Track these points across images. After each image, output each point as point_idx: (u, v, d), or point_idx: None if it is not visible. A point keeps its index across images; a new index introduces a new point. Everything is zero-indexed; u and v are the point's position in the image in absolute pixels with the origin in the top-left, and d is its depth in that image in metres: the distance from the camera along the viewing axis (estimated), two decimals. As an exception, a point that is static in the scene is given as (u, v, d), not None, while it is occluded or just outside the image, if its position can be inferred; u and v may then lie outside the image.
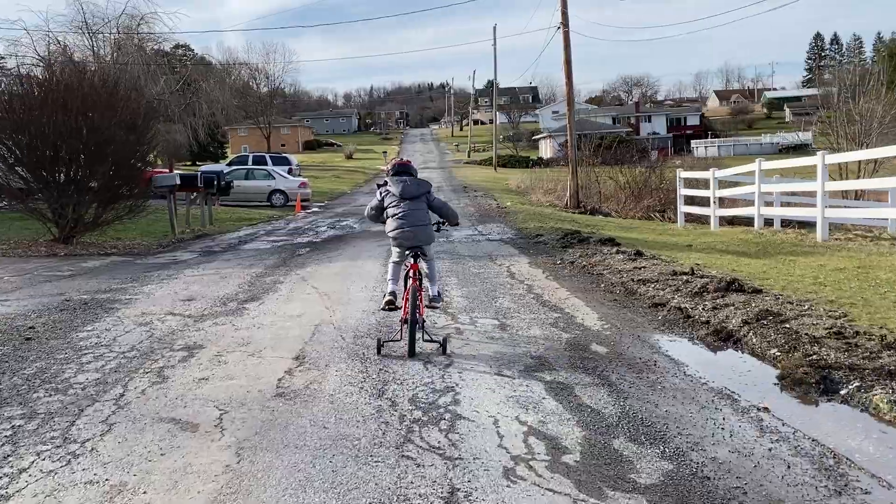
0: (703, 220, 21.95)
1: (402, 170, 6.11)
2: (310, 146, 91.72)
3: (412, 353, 5.48)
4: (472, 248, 12.99)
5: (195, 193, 18.48)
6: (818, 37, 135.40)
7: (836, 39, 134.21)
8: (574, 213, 24.45)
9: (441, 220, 6.23)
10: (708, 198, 22.36)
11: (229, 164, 36.02)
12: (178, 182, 16.78)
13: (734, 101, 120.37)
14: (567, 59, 25.56)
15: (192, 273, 10.54)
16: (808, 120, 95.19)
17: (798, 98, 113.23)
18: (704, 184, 24.30)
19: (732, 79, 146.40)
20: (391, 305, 5.87)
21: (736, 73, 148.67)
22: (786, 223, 19.11)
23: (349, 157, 75.01)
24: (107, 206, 15.08)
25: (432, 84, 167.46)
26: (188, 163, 55.35)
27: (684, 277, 8.47)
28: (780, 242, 14.52)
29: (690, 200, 22.11)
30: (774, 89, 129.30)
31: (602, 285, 8.75)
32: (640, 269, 9.46)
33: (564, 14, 25.38)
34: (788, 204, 18.98)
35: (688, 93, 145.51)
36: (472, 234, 16.04)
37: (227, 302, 7.97)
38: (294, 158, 41.27)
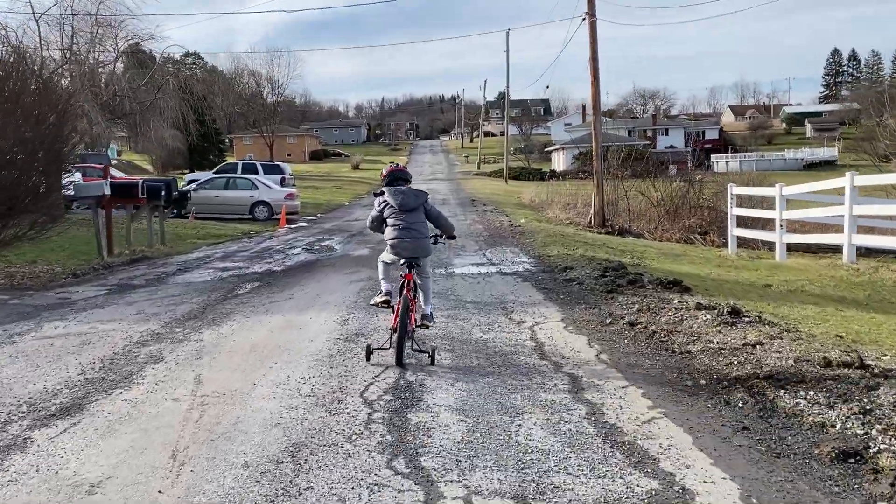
0: (752, 245, 18.27)
1: (398, 176, 6.03)
2: (316, 156, 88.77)
3: (399, 363, 5.40)
4: (479, 289, 9.30)
5: (137, 206, 14.85)
6: (835, 52, 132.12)
7: (854, 56, 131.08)
8: (600, 233, 20.74)
9: (438, 234, 6.13)
10: (764, 219, 18.78)
11: (216, 172, 32.79)
12: (107, 192, 13.16)
13: (750, 117, 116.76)
14: (593, 54, 21.91)
15: (48, 332, 6.89)
16: (830, 136, 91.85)
17: (818, 113, 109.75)
18: (763, 202, 20.67)
19: (748, 94, 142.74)
20: (387, 305, 5.82)
21: (751, 89, 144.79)
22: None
23: (356, 167, 71.68)
24: (5, 222, 11.55)
25: (443, 96, 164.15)
26: (186, 171, 52.22)
27: (852, 373, 4.75)
28: (891, 284, 10.81)
29: (742, 222, 18.28)
30: (791, 105, 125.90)
31: (702, 381, 5.03)
32: (752, 346, 5.73)
33: (591, 2, 21.77)
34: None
35: (702, 108, 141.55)
36: (479, 262, 12.36)
37: (15, 419, 4.29)
38: (288, 167, 37.63)
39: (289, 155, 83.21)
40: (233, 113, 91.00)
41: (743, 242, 17.90)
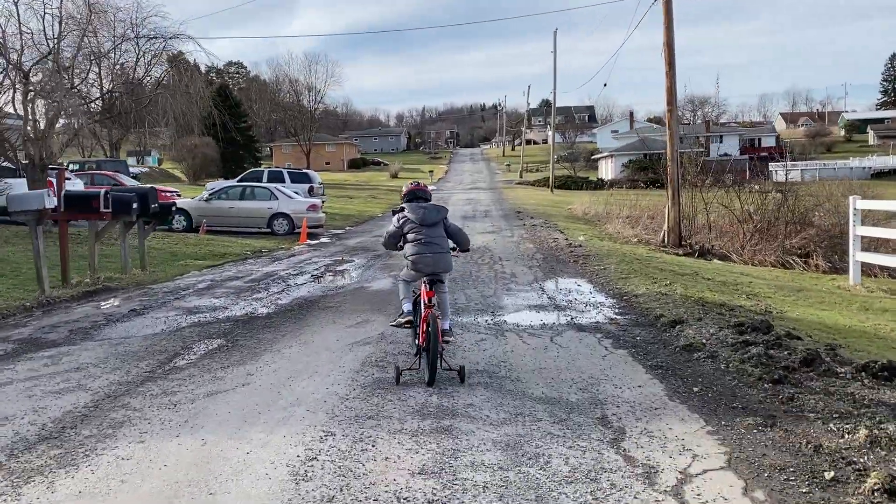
0: (868, 271, 14.52)
1: (418, 195, 6.07)
2: (355, 164, 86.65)
3: (432, 383, 5.31)
4: (550, 365, 5.81)
5: (102, 221, 11.73)
6: (894, 57, 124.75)
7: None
8: (678, 254, 17.07)
9: (453, 247, 6.05)
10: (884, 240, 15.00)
11: (240, 180, 30.10)
12: (49, 205, 10.06)
13: (803, 124, 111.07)
14: (668, 40, 18.25)
15: None
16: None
17: (880, 120, 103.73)
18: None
19: (800, 101, 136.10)
20: (409, 325, 5.76)
21: (804, 96, 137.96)
22: None
23: (394, 176, 68.84)
24: None
25: (484, 105, 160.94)
26: (219, 179, 49.97)
27: None
28: None
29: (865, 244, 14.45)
30: (847, 111, 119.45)
31: None
32: None
33: (666, -22, 18.14)
34: None
35: (752, 115, 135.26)
36: (538, 304, 8.87)
37: None
38: (317, 176, 34.59)
39: (327, 163, 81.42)
40: (271, 121, 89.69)
41: (866, 268, 14.19)
